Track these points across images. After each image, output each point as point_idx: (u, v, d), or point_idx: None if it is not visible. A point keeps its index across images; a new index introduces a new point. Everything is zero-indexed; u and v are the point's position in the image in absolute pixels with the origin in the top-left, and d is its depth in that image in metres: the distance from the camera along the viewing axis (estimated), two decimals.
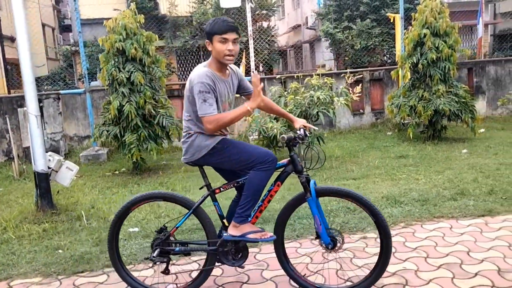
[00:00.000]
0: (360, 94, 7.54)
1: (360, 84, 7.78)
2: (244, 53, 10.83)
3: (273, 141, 7.68)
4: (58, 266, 4.14)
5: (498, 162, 6.91)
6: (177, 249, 3.37)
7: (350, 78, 7.70)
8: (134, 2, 13.11)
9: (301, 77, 8.55)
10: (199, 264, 3.79)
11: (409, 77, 9.15)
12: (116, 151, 8.60)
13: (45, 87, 18.75)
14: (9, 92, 11.31)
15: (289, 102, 7.56)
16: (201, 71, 3.08)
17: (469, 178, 6.12)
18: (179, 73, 20.48)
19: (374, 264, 3.25)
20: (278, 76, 10.09)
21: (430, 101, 8.43)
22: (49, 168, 5.65)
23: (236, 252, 3.32)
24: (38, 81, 19.80)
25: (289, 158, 3.22)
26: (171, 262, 3.45)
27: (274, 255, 3.43)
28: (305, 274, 3.49)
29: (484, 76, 11.42)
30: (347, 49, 18.48)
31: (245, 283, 3.63)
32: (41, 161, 5.56)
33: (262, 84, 2.88)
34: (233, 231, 3.22)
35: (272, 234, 3.24)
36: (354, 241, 4.27)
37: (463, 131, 9.43)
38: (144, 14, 20.81)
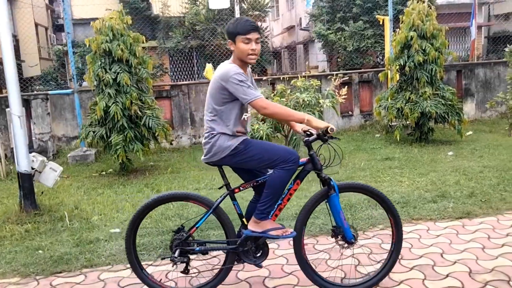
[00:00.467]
0: (346, 96, 7.56)
1: (346, 86, 7.77)
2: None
3: None
4: (37, 266, 4.15)
5: (482, 165, 6.95)
6: (197, 248, 3.38)
7: (336, 80, 7.73)
8: (122, 3, 13.16)
9: (287, 79, 8.57)
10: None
11: (397, 79, 9.19)
12: (104, 152, 8.60)
13: (37, 87, 18.75)
14: (0, 92, 11.31)
15: None
16: (231, 66, 3.14)
17: (451, 180, 6.16)
18: (171, 73, 20.51)
19: (385, 259, 3.41)
20: (265, 78, 10.11)
21: (417, 103, 8.48)
22: (32, 168, 5.66)
23: (256, 249, 3.35)
24: (31, 81, 19.83)
25: (308, 157, 3.27)
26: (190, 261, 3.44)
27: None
28: (324, 270, 3.58)
29: (473, 78, 11.48)
30: (339, 51, 18.54)
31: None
32: (24, 161, 5.57)
33: None
34: (254, 227, 3.25)
35: (292, 230, 3.26)
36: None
37: (451, 133, 9.47)
38: (137, 15, 20.96)
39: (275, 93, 7.97)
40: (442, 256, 3.85)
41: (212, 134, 3.20)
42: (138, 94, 7.62)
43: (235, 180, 3.45)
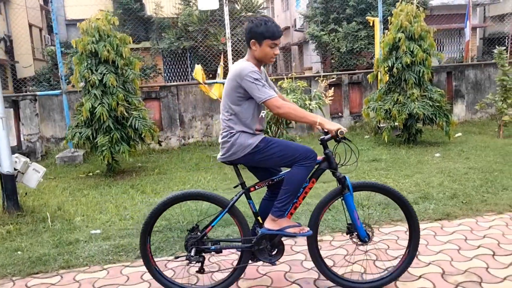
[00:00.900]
0: (332, 98, 7.57)
1: (333, 88, 7.80)
2: (222, 56, 10.85)
3: None
4: (14, 267, 4.15)
5: (467, 166, 6.96)
6: (212, 247, 3.36)
7: (323, 82, 7.74)
8: (115, 4, 13.11)
9: (273, 80, 8.57)
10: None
11: (386, 80, 9.20)
12: (91, 153, 8.60)
13: (30, 88, 18.73)
14: None
15: None
16: (247, 64, 3.15)
17: (435, 182, 6.17)
18: (165, 74, 20.49)
19: (402, 255, 3.45)
20: None
21: (404, 105, 8.49)
22: (15, 169, 5.66)
23: (271, 248, 3.35)
24: (24, 81, 19.83)
25: (324, 156, 3.28)
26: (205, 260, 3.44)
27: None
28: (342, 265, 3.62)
29: (463, 80, 11.50)
30: (333, 52, 18.56)
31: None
32: (7, 162, 5.57)
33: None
34: (271, 225, 3.24)
35: (309, 229, 3.27)
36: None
37: (440, 134, 9.48)
38: (130, 15, 20.88)
39: None
40: (417, 257, 3.84)
41: (231, 133, 3.19)
42: (125, 95, 7.62)
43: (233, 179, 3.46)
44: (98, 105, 7.31)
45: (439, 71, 11.26)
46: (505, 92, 9.00)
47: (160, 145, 9.95)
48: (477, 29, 24.40)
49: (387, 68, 8.76)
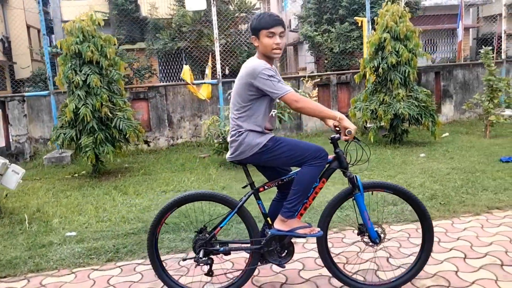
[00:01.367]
0: (316, 98, 7.55)
1: (317, 88, 7.78)
2: (210, 56, 10.83)
3: None
4: None
5: (451, 167, 6.94)
6: (221, 249, 3.31)
7: (308, 82, 7.72)
8: (111, 5, 13.08)
9: None
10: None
11: (372, 81, 9.18)
12: (75, 154, 8.58)
13: (26, 89, 18.73)
14: None
15: None
16: (259, 62, 3.10)
17: (417, 182, 6.15)
18: (160, 75, 20.48)
19: (417, 255, 3.41)
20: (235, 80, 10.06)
21: (390, 105, 8.47)
22: None
23: (281, 249, 3.31)
24: (22, 82, 19.85)
25: (334, 155, 3.24)
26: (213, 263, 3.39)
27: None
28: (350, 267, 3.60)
29: (451, 80, 11.48)
30: (326, 52, 18.55)
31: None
32: None
33: None
34: (281, 226, 3.20)
35: (319, 229, 3.22)
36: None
37: (427, 135, 9.45)
38: (125, 16, 20.86)
39: None
40: (388, 260, 3.83)
41: (240, 132, 3.15)
42: (109, 95, 7.60)
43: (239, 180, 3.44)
44: (82, 106, 7.29)
45: (427, 71, 11.24)
46: (492, 92, 8.99)
47: (149, 145, 9.96)
48: (470, 29, 24.42)
49: (373, 68, 8.73)
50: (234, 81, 9.80)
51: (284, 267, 3.45)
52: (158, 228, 3.35)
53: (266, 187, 3.29)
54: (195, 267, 3.35)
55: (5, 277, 3.98)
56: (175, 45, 18.62)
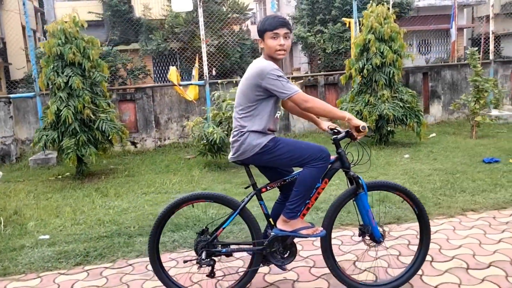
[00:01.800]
0: None
1: (304, 88, 7.74)
2: (197, 57, 10.82)
3: (214, 146, 7.68)
4: None
5: (433, 168, 6.93)
6: (223, 250, 3.31)
7: (293, 83, 7.69)
8: (105, 6, 13.06)
9: (234, 82, 8.55)
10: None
11: (358, 82, 9.17)
12: (58, 156, 8.56)
13: (20, 90, 18.73)
14: None
15: (225, 108, 7.57)
16: (266, 62, 3.11)
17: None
18: (155, 75, 20.47)
19: (414, 255, 3.47)
20: (220, 81, 10.03)
21: (375, 106, 8.46)
22: None
23: (284, 250, 3.30)
24: (17, 83, 19.86)
25: (336, 155, 3.26)
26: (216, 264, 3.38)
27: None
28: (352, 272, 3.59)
29: (439, 80, 11.46)
30: (319, 53, 18.54)
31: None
32: None
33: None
34: (284, 226, 3.20)
35: (322, 229, 3.22)
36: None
37: (414, 135, 9.43)
38: (119, 17, 20.83)
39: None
40: (354, 264, 3.81)
41: (242, 132, 3.16)
42: (92, 97, 7.58)
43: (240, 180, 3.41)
44: (63, 108, 7.27)
45: (415, 72, 11.22)
46: (478, 92, 8.97)
47: (136, 146, 9.95)
48: (464, 29, 24.41)
49: (358, 69, 8.72)
50: (220, 83, 9.77)
51: (285, 269, 3.48)
52: (160, 229, 3.34)
53: (268, 187, 3.32)
54: (198, 268, 3.35)
55: None
56: (168, 46, 18.62)
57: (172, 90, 10.32)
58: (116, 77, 17.53)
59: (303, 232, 3.18)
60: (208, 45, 16.56)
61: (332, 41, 17.88)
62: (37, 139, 7.57)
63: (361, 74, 8.76)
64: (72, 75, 7.38)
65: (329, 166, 3.24)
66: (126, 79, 18.12)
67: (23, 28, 26.84)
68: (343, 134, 3.28)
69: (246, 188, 3.42)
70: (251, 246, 3.33)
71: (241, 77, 3.54)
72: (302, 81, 10.10)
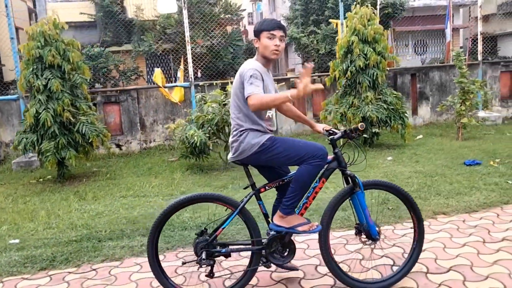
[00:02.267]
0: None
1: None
2: (182, 59, 10.79)
3: (196, 149, 7.64)
4: None
5: (414, 170, 6.89)
6: (223, 250, 3.32)
7: (277, 85, 7.66)
8: (97, 7, 13.01)
9: (219, 84, 8.51)
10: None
11: (343, 83, 9.13)
12: (38, 159, 8.52)
13: (12, 91, 18.72)
14: None
15: (207, 110, 7.54)
16: (251, 64, 3.18)
17: None
18: (148, 76, 20.44)
19: (409, 250, 3.53)
20: (201, 83, 10.00)
21: (359, 108, 8.42)
22: None
23: (283, 248, 3.32)
24: (10, 84, 19.81)
25: (333, 155, 3.31)
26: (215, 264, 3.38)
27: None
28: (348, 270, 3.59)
29: (427, 82, 11.42)
30: (312, 53, 18.51)
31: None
32: None
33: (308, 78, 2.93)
34: (280, 222, 3.22)
35: (318, 224, 3.25)
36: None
37: (399, 137, 9.40)
38: (111, 18, 20.78)
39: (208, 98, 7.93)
40: (316, 268, 3.77)
41: (241, 131, 3.20)
42: (72, 100, 7.54)
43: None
44: (42, 111, 7.24)
45: (403, 73, 11.19)
46: (464, 94, 8.94)
47: (121, 149, 9.92)
48: (460, 29, 24.37)
49: (342, 71, 8.68)
50: (201, 85, 9.74)
51: (297, 269, 3.52)
52: (159, 231, 3.32)
53: (267, 187, 3.36)
54: (197, 269, 3.36)
55: None
56: (160, 47, 18.61)
57: (157, 92, 10.29)
58: (108, 78, 17.53)
59: (300, 228, 3.20)
60: (199, 46, 16.54)
61: (325, 42, 17.86)
62: (17, 142, 7.54)
63: (345, 76, 8.72)
64: (52, 77, 7.36)
65: (326, 165, 3.28)
66: (119, 81, 18.11)
67: (17, 29, 26.84)
68: (339, 134, 3.36)
69: (245, 188, 3.43)
70: (251, 246, 3.35)
71: (234, 78, 3.55)
72: (283, 83, 10.05)
